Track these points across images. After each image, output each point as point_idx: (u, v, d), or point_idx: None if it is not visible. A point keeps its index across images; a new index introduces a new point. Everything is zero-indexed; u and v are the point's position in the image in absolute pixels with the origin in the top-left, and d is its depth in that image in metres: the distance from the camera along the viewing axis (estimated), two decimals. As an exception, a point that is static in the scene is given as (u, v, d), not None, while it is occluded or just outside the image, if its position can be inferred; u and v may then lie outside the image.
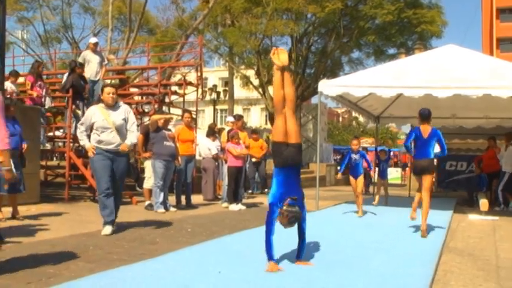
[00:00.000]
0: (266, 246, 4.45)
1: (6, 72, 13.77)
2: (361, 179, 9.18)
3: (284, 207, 4.43)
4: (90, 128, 6.32)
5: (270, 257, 4.43)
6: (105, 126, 6.24)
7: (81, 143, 6.56)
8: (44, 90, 11.47)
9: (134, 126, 6.58)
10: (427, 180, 7.14)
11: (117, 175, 6.36)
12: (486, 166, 12.50)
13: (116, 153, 6.28)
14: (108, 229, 6.30)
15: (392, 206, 10.97)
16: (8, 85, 11.31)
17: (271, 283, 3.99)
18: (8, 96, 10.67)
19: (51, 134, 12.64)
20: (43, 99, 11.36)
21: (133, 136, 6.59)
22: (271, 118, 25.53)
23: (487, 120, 13.51)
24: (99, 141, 6.25)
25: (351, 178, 9.27)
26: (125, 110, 6.47)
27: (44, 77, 13.29)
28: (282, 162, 4.68)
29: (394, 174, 28.62)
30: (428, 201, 7.06)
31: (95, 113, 6.33)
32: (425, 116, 7.28)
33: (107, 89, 6.40)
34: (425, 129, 7.20)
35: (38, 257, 4.80)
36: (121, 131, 6.32)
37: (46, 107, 11.57)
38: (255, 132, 12.55)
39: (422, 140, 7.19)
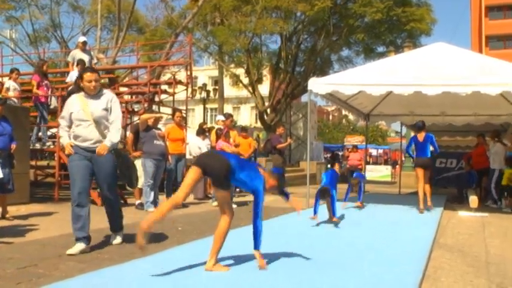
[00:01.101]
0: (259, 237, 4.33)
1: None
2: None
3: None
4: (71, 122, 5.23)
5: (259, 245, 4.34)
6: (81, 118, 5.12)
7: (61, 140, 5.52)
8: (50, 90, 11.37)
9: (117, 121, 5.27)
10: (427, 174, 9.66)
11: (100, 178, 5.26)
12: (475, 163, 12.58)
13: (95, 152, 5.13)
14: (77, 247, 5.01)
15: (381, 204, 11.01)
16: (11, 83, 11.20)
17: (263, 282, 3.98)
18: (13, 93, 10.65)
19: (40, 133, 12.56)
20: (48, 99, 11.26)
21: (115, 134, 5.24)
22: (261, 117, 25.53)
23: (476, 117, 13.60)
24: (76, 137, 5.17)
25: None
26: (107, 99, 5.26)
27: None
28: None
29: (384, 171, 28.78)
30: (430, 188, 9.69)
31: (74, 103, 5.23)
32: (419, 128, 9.83)
33: (87, 76, 5.16)
34: (421, 135, 9.68)
35: (27, 257, 4.77)
36: (101, 124, 5.19)
37: (51, 106, 11.49)
38: (244, 130, 12.54)
39: (419, 144, 9.69)
